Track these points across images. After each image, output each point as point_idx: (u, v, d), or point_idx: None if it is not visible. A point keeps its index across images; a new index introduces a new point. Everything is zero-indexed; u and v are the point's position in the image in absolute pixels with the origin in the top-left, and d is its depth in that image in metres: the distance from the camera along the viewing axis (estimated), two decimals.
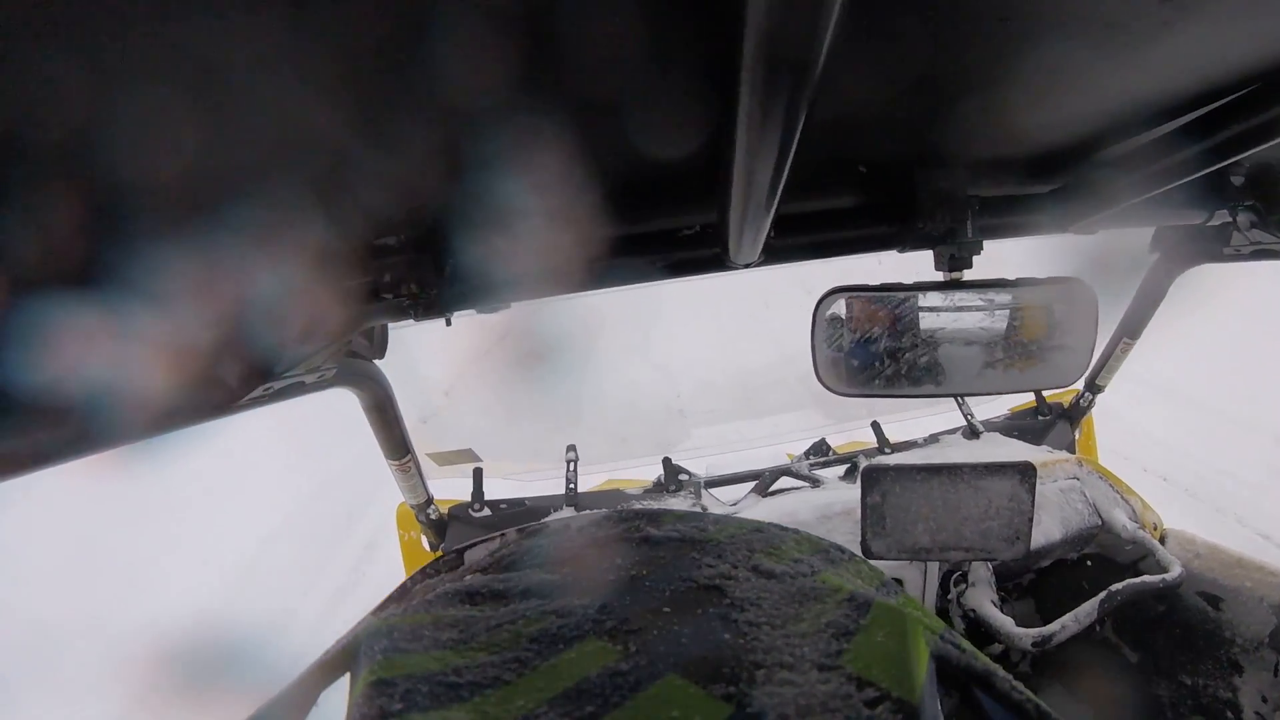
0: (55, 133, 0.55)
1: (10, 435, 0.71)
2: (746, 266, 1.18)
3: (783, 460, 2.51)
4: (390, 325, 1.51)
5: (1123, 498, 2.07)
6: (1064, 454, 2.36)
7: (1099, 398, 2.50)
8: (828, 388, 1.31)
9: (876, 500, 1.64)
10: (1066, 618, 1.70)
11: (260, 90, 0.61)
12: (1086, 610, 1.71)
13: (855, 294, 1.25)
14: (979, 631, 2.04)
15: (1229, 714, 1.72)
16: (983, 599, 1.87)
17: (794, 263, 1.25)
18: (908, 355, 1.28)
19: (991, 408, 2.71)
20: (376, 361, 1.64)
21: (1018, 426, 2.57)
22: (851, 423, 2.80)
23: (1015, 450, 2.33)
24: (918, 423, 2.68)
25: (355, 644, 0.80)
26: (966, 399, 2.52)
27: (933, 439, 2.51)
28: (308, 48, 0.57)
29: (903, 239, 1.23)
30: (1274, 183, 1.22)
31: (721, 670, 0.68)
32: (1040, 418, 2.60)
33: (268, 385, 1.11)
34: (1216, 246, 1.57)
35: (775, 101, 0.60)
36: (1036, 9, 0.71)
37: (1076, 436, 2.61)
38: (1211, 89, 0.93)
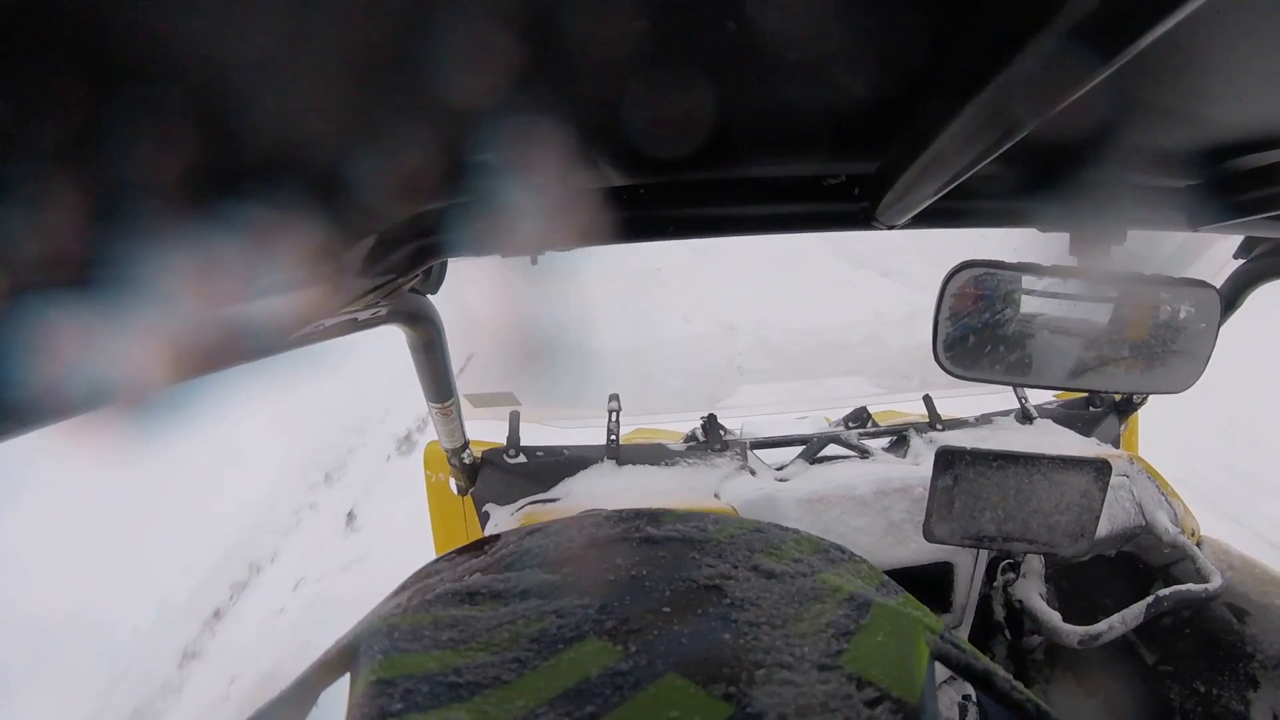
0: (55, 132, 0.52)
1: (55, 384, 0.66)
2: (891, 228, 1.11)
3: (820, 425, 2.48)
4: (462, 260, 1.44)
5: (1167, 500, 2.05)
6: (1115, 450, 2.34)
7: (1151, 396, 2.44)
8: (944, 369, 1.25)
9: (948, 483, 1.60)
10: (1114, 619, 1.70)
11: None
12: (1134, 613, 1.70)
13: (989, 270, 1.19)
14: (1017, 622, 2.03)
15: None
16: (1031, 591, 1.86)
17: (941, 228, 1.18)
18: (1030, 342, 1.23)
19: (1043, 393, 2.64)
20: (430, 297, 1.59)
21: (1069, 416, 2.53)
22: (903, 394, 2.76)
23: (1068, 440, 2.30)
24: (967, 400, 2.63)
25: (355, 644, 0.80)
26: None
27: (985, 419, 2.47)
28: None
29: (1051, 218, 1.17)
30: None
31: (721, 670, 0.68)
32: (1092, 409, 2.56)
33: (318, 322, 1.07)
34: None
35: (1064, 75, 0.54)
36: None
37: (1122, 430, 2.59)
38: None
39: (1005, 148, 0.71)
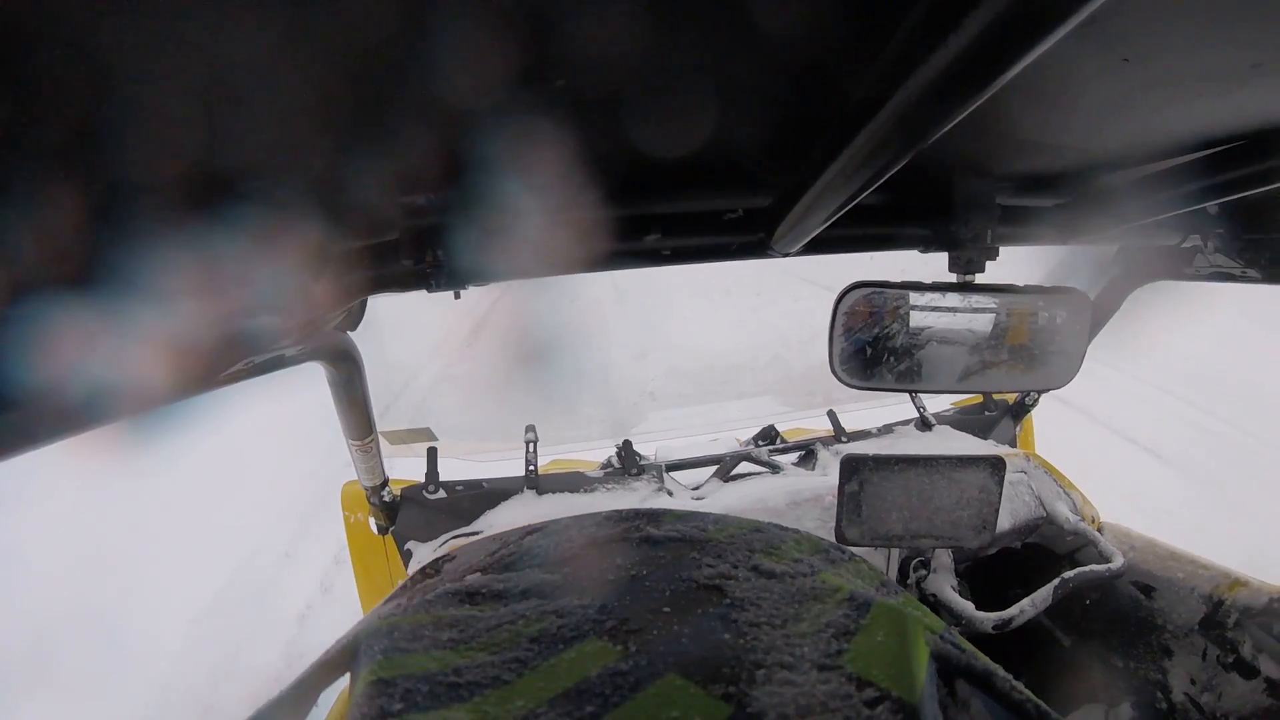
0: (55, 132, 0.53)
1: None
2: (785, 255, 1.18)
3: (732, 444, 2.53)
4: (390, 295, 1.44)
5: (1065, 491, 2.14)
6: (1012, 449, 2.45)
7: (1042, 397, 2.58)
8: (841, 380, 1.33)
9: (855, 488, 1.66)
10: (1024, 603, 1.76)
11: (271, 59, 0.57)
12: (1043, 595, 1.77)
13: (876, 289, 1.27)
14: (937, 615, 2.10)
15: (1159, 694, 1.79)
16: (943, 584, 1.92)
17: (831, 254, 1.26)
18: (919, 352, 1.31)
19: (941, 401, 2.76)
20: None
21: (966, 420, 2.64)
22: (808, 411, 2.83)
23: (966, 443, 2.40)
24: (867, 412, 2.72)
25: (355, 644, 0.80)
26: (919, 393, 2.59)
27: (887, 429, 2.55)
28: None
29: (931, 240, 1.25)
30: (1242, 216, 1.32)
31: (721, 670, 0.69)
32: (987, 413, 2.68)
33: (249, 359, 1.06)
34: (1179, 266, 1.65)
35: (937, 106, 0.60)
36: (1108, 57, 0.74)
37: (1017, 432, 2.69)
38: (1206, 139, 1.01)
39: (884, 179, 0.77)
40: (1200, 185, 1.06)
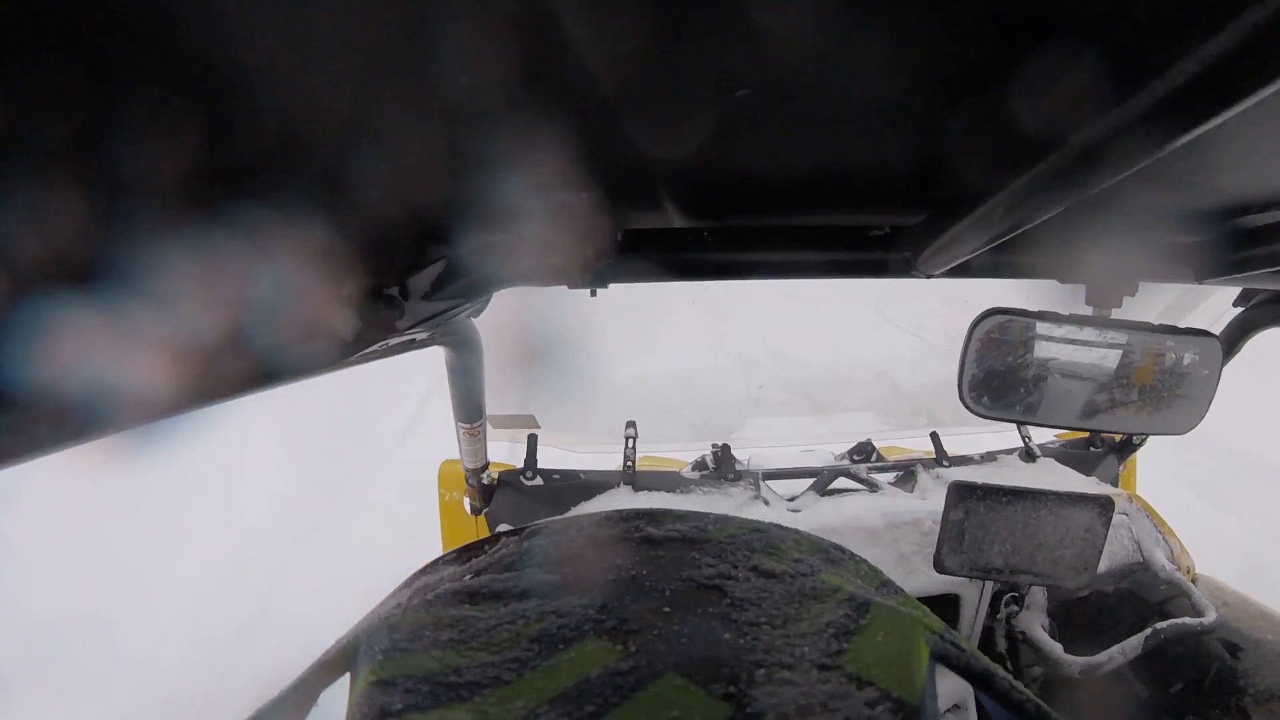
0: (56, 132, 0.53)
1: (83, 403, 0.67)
2: (929, 277, 1.19)
3: (826, 457, 2.54)
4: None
5: (1164, 538, 2.10)
6: (1114, 489, 2.40)
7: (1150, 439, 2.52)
8: (969, 408, 1.33)
9: (960, 516, 1.66)
10: (1114, 650, 1.74)
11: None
12: (1133, 644, 1.75)
13: (1013, 317, 1.27)
14: (1018, 653, 2.08)
15: None
16: (1034, 622, 1.90)
17: (976, 278, 1.26)
18: (1049, 384, 1.31)
19: (1046, 432, 2.72)
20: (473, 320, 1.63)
21: (1071, 455, 2.60)
22: (908, 430, 2.82)
23: (1069, 479, 2.36)
24: (973, 438, 2.70)
25: (355, 644, 0.80)
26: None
27: (990, 457, 2.53)
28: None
29: (1070, 269, 1.25)
30: None
31: (721, 670, 0.68)
32: (1092, 449, 2.63)
33: (385, 340, 1.12)
34: None
35: (1155, 131, 0.57)
36: None
37: (1121, 471, 2.65)
38: None
39: (1051, 214, 0.77)
40: None
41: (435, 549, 2.43)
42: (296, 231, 0.76)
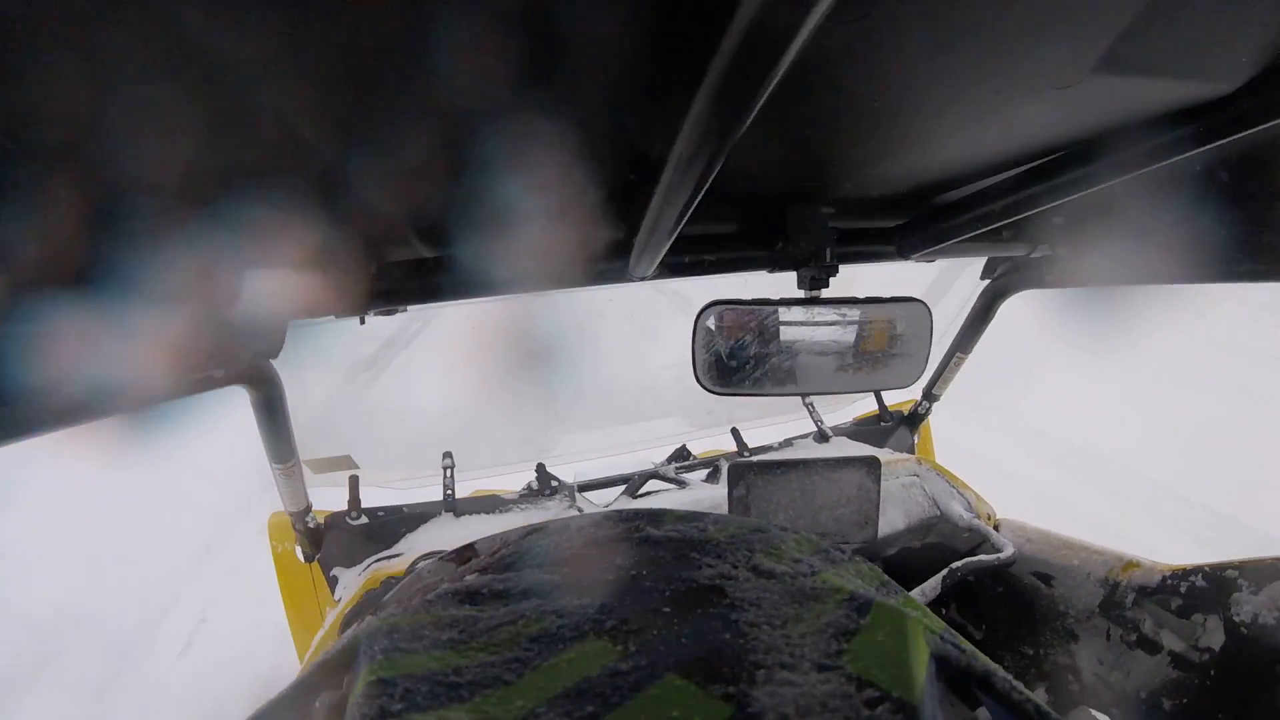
0: (55, 132, 0.56)
1: None
2: (642, 279, 1.32)
3: (646, 465, 2.60)
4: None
5: (958, 491, 2.24)
6: (905, 454, 2.57)
7: (934, 405, 2.73)
8: (705, 387, 1.47)
9: (741, 493, 1.78)
10: (913, 592, 1.84)
11: (260, 88, 0.62)
12: (932, 584, 1.86)
13: (730, 306, 1.41)
14: None
15: (1070, 677, 1.86)
16: None
17: (683, 277, 1.41)
18: (773, 360, 1.45)
19: (839, 415, 2.91)
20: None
21: (863, 431, 2.78)
22: (711, 430, 2.95)
23: (861, 451, 2.46)
24: (773, 429, 2.85)
25: (355, 644, 0.80)
26: (817, 407, 2.72)
27: (787, 443, 2.68)
28: (308, 46, 0.57)
29: (773, 262, 1.40)
30: (1087, 225, 1.46)
31: (721, 670, 0.69)
32: (883, 423, 2.82)
33: (181, 379, 1.13)
34: (1039, 276, 1.81)
35: (706, 147, 0.69)
36: (898, 96, 0.87)
37: (915, 440, 2.84)
38: (1024, 154, 1.14)
39: (692, 208, 0.88)
40: (1015, 199, 1.18)
41: None
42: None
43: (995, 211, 1.24)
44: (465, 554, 1.07)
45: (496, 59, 0.63)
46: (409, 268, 1.27)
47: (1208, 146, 0.93)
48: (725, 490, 2.06)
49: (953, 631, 0.81)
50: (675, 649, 0.72)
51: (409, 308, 1.35)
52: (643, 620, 0.77)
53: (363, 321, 1.34)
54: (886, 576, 0.94)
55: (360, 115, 0.74)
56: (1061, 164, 1.11)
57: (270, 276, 1.17)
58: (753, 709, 0.64)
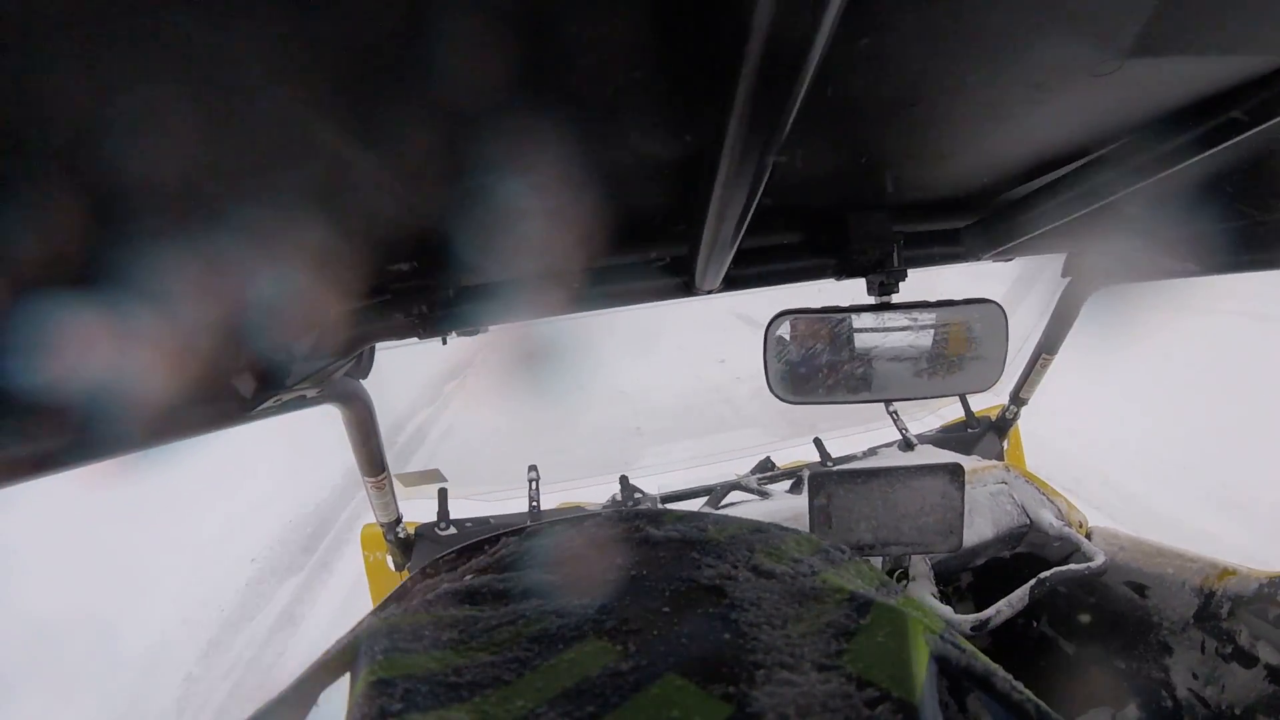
0: (56, 132, 0.56)
1: (23, 438, 0.72)
2: (709, 293, 1.34)
3: (729, 478, 2.60)
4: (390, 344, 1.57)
5: (1048, 499, 2.18)
6: (992, 461, 2.50)
7: (1023, 410, 2.66)
8: (778, 396, 1.48)
9: (822, 502, 1.76)
10: (1000, 603, 1.78)
11: (264, 98, 0.62)
12: (1019, 595, 1.79)
13: (800, 315, 1.43)
14: None
15: (1164, 693, 1.80)
16: (923, 591, 1.98)
17: (750, 289, 1.42)
18: (845, 367, 1.46)
19: (925, 422, 2.88)
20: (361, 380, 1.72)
21: (949, 439, 2.73)
22: (793, 440, 2.94)
23: (947, 458, 2.41)
24: (857, 438, 2.82)
25: (355, 644, 0.80)
26: (901, 415, 2.69)
27: (871, 452, 2.66)
28: (309, 51, 0.57)
29: (839, 270, 1.40)
30: (1167, 213, 1.40)
31: (721, 670, 0.69)
32: (970, 430, 2.76)
33: (278, 397, 1.18)
34: (1122, 270, 1.77)
35: (749, 159, 0.71)
36: (934, 99, 0.88)
37: (1005, 447, 2.77)
38: (1081, 146, 1.13)
39: (749, 216, 0.89)
40: (1089, 186, 1.15)
41: None
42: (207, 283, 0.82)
43: (1064, 204, 1.23)
44: (466, 554, 1.07)
45: (551, 75, 0.66)
46: (484, 290, 1.31)
47: (1271, 122, 0.90)
48: (807, 500, 2.06)
49: (953, 631, 0.81)
50: (675, 649, 0.72)
51: (489, 328, 1.40)
52: (643, 620, 0.77)
53: (445, 342, 1.40)
54: (886, 576, 0.92)
55: (427, 141, 0.76)
56: (1127, 151, 1.08)
57: (356, 301, 1.24)
58: (752, 709, 0.65)
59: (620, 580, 0.86)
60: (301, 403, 1.35)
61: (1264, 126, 0.90)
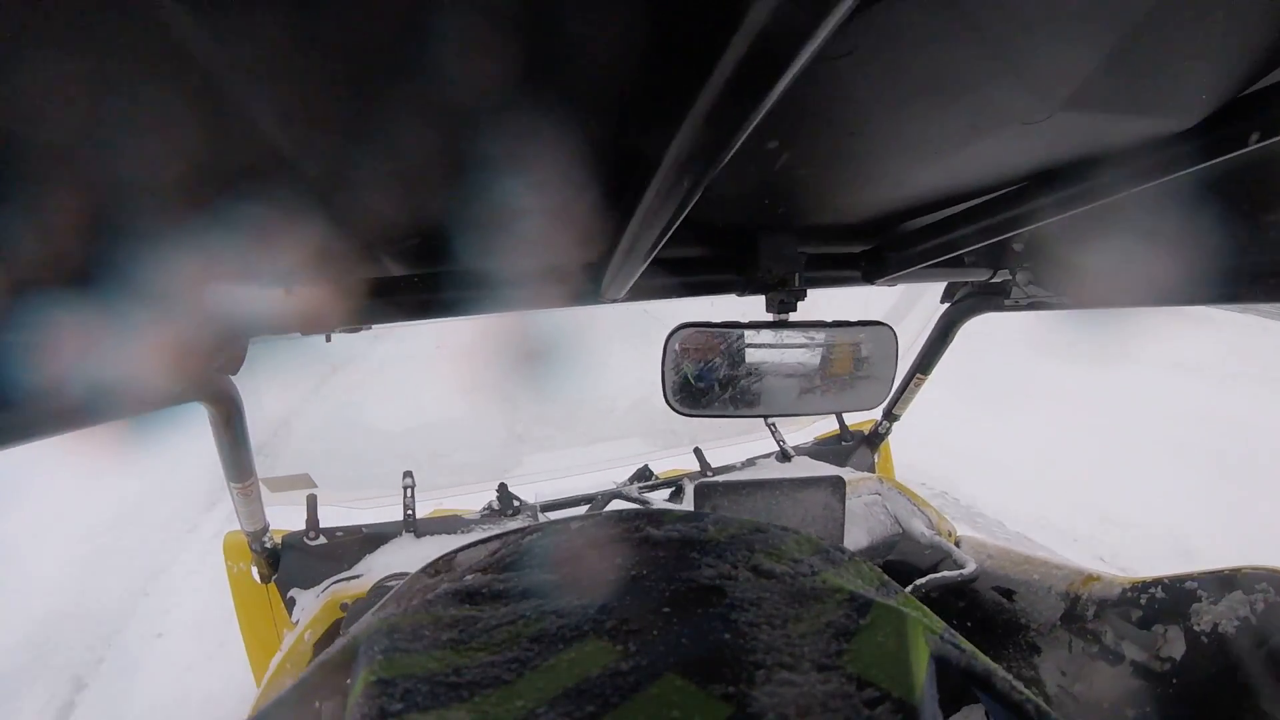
0: (55, 132, 0.55)
1: None
2: (614, 301, 1.31)
3: (608, 485, 2.58)
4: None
5: (919, 509, 2.25)
6: (866, 473, 2.57)
7: (894, 425, 2.77)
8: (674, 409, 1.48)
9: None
10: None
11: (259, 91, 0.61)
12: None
13: (699, 329, 1.42)
14: None
15: (1034, 690, 1.74)
16: None
17: (655, 299, 1.41)
18: (741, 382, 1.47)
19: (800, 435, 2.92)
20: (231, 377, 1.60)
21: (824, 450, 2.80)
22: (673, 450, 2.95)
23: (823, 470, 2.51)
24: (736, 448, 2.86)
25: (355, 644, 0.79)
26: (779, 427, 2.73)
27: (749, 462, 2.69)
28: (307, 48, 0.56)
29: (744, 286, 1.40)
30: (1045, 250, 1.50)
31: (721, 670, 0.69)
32: (844, 443, 2.84)
33: (136, 396, 1.09)
34: (998, 299, 1.84)
35: (690, 170, 0.70)
36: (876, 130, 0.89)
37: (876, 459, 2.86)
38: (989, 184, 1.17)
39: (672, 229, 0.88)
40: (982, 225, 1.21)
41: None
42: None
43: (959, 239, 1.27)
44: (463, 557, 1.05)
45: (478, 61, 0.63)
46: (375, 285, 1.25)
47: (1166, 178, 0.96)
48: (688, 510, 2.05)
49: (953, 631, 0.81)
50: (675, 649, 0.72)
51: (373, 326, 1.34)
52: (643, 620, 0.77)
53: (328, 339, 1.32)
54: (886, 577, 0.93)
55: (335, 122, 0.73)
56: (1025, 193, 1.14)
57: (232, 290, 1.14)
58: (752, 709, 0.64)
59: (620, 580, 0.85)
60: (167, 399, 1.25)
61: (1162, 180, 0.96)
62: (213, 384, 1.49)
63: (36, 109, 0.52)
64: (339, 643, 0.83)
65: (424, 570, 1.04)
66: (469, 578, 0.92)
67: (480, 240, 1.07)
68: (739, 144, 0.64)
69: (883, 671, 0.69)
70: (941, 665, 0.76)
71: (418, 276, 1.27)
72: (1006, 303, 1.80)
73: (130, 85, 0.56)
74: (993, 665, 0.78)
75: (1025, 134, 0.91)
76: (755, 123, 0.59)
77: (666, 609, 0.79)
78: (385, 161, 0.81)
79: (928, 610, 0.85)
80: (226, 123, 0.67)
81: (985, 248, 1.29)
